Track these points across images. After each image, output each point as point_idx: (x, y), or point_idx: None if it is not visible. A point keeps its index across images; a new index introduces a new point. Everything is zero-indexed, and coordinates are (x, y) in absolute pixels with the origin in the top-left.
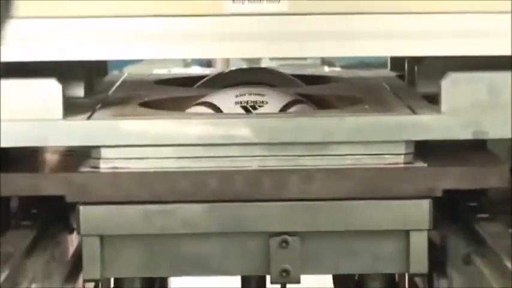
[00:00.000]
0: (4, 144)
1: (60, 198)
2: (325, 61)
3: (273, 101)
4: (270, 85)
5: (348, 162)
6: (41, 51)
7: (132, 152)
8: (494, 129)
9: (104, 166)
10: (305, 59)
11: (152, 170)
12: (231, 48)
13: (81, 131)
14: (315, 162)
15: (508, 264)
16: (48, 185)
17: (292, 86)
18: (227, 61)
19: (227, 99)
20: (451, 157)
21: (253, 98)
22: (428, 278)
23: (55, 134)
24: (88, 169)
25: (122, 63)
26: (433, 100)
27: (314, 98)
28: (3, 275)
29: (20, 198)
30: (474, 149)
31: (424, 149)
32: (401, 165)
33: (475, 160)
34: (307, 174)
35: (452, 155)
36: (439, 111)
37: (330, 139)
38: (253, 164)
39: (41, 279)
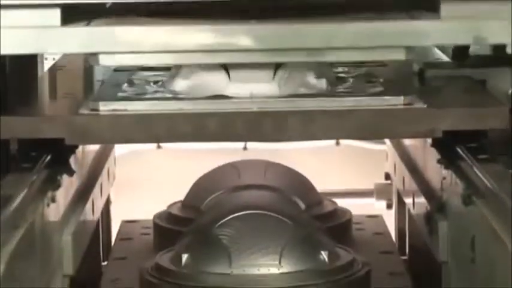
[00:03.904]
0: (3, 52)
1: (60, 140)
2: None
3: None
4: None
5: (349, 104)
6: None
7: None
8: (494, 35)
9: (104, 108)
10: None
11: (152, 112)
12: None
13: (79, 38)
14: (316, 104)
15: (508, 205)
16: (47, 128)
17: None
18: None
19: None
20: (450, 98)
21: None
22: (429, 220)
23: (53, 41)
24: (87, 112)
25: None
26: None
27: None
28: (3, 218)
29: (20, 141)
30: (474, 91)
31: (424, 91)
32: (401, 107)
33: (475, 101)
34: (308, 116)
35: (452, 96)
36: (438, 17)
37: (330, 45)
38: (253, 106)
39: (41, 222)
